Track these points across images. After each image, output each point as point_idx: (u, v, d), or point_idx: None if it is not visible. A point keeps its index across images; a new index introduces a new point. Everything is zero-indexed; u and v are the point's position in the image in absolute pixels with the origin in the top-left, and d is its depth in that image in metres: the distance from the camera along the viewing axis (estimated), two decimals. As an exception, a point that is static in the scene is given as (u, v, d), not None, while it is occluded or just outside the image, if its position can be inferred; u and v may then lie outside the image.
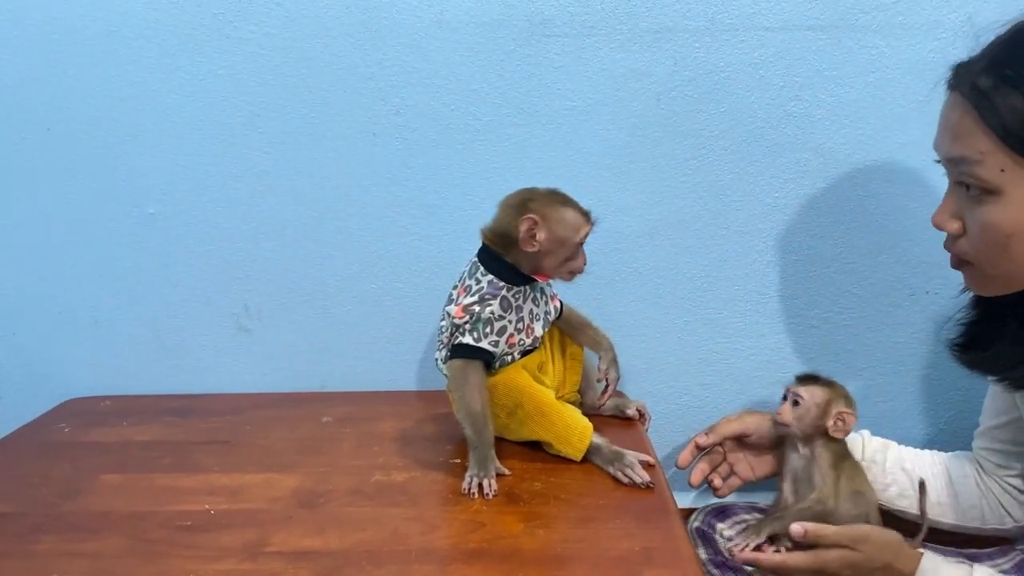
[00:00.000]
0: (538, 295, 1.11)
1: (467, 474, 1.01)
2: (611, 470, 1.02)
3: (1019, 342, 0.94)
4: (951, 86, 0.86)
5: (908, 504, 1.11)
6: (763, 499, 1.22)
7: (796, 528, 0.96)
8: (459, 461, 1.08)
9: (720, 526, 1.19)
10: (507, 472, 1.03)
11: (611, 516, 0.93)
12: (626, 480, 1.00)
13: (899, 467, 1.13)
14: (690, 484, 1.13)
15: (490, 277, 1.06)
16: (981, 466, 1.11)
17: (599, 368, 1.15)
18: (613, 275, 1.31)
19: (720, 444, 1.15)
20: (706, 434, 1.14)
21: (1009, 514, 1.08)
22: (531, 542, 0.88)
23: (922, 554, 0.94)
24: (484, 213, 1.28)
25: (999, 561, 1.09)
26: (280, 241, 1.32)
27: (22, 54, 1.25)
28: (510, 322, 1.06)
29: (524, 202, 1.04)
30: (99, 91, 1.26)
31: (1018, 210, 0.81)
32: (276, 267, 1.33)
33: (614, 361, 1.15)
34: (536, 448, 1.09)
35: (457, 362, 1.05)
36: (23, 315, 1.35)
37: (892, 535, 0.96)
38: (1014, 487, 1.07)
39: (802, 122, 1.26)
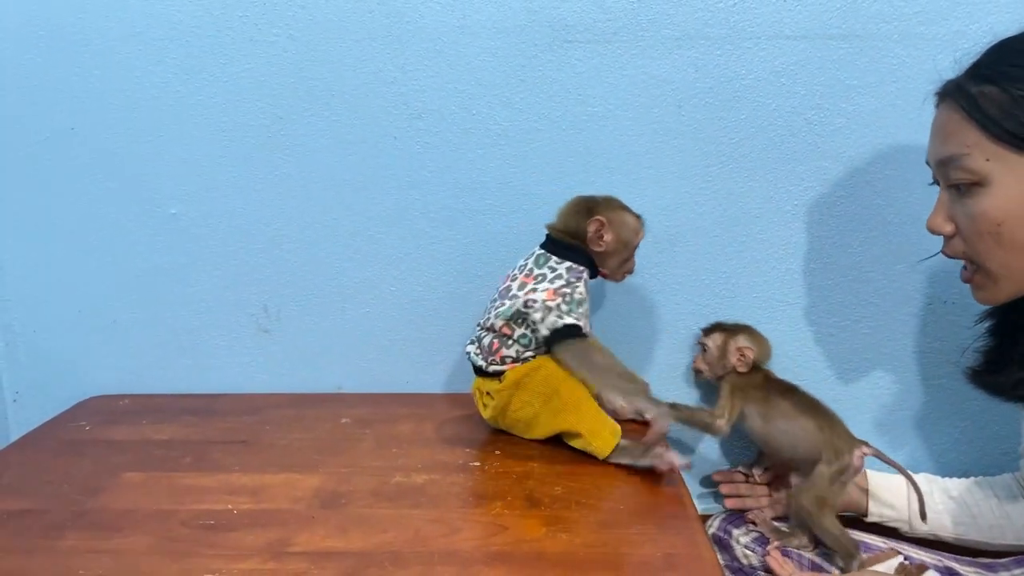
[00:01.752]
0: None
1: (657, 416, 1.05)
2: (643, 462, 1.04)
3: None
4: (941, 98, 0.95)
5: (964, 531, 1.13)
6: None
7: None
8: (478, 464, 1.08)
9: (736, 532, 1.19)
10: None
11: (632, 521, 0.94)
12: (664, 466, 1.03)
13: (946, 496, 1.15)
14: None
15: (568, 264, 1.11)
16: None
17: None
18: (631, 282, 1.31)
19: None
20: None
21: None
22: (553, 546, 0.88)
23: None
24: (503, 217, 1.30)
25: (1016, 572, 1.09)
26: (300, 243, 1.32)
27: (47, 54, 1.26)
28: (588, 306, 1.12)
29: (590, 206, 1.13)
30: (123, 92, 1.27)
31: (1005, 197, 0.88)
32: (296, 269, 1.33)
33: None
34: (556, 453, 1.10)
35: (570, 341, 1.07)
36: (43, 314, 1.36)
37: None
38: None
39: (822, 130, 1.26)
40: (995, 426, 1.34)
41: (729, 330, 1.23)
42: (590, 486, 1.01)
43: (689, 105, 1.26)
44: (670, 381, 1.35)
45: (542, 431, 1.11)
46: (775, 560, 1.08)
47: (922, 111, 1.23)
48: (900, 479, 1.16)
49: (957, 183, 0.91)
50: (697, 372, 1.27)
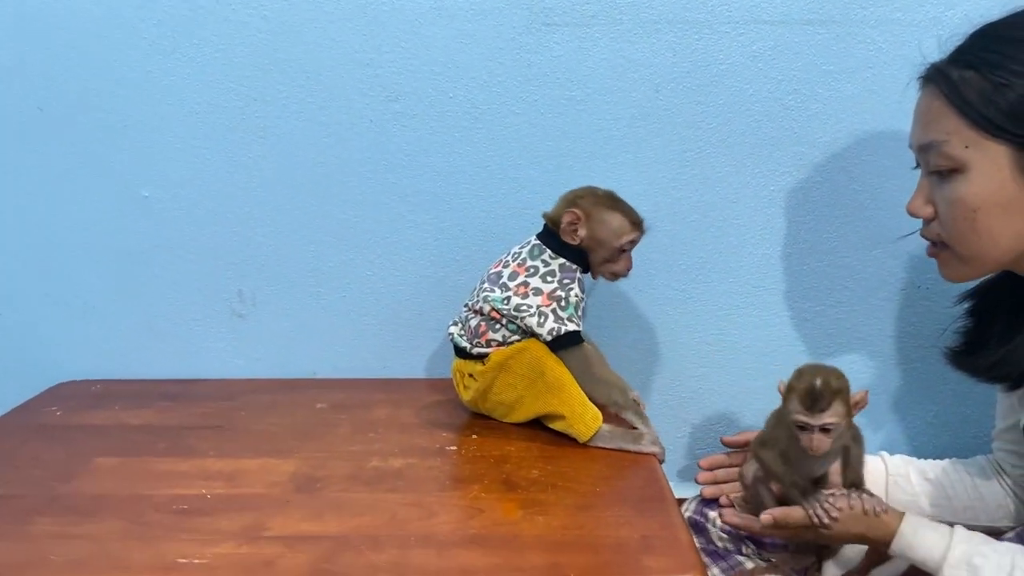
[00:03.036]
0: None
1: (644, 439, 1.06)
2: (623, 445, 1.05)
3: (1004, 341, 0.97)
4: (923, 83, 0.95)
5: (940, 512, 1.12)
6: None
7: (764, 517, 1.01)
8: (456, 448, 1.08)
9: (712, 515, 1.20)
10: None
11: (609, 504, 0.94)
12: (634, 450, 1.05)
13: (923, 478, 1.15)
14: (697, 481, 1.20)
15: (561, 261, 1.10)
16: (1001, 467, 1.13)
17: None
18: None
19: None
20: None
21: None
22: (531, 528, 0.88)
23: (901, 517, 0.97)
24: (481, 201, 1.29)
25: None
26: (275, 227, 1.31)
27: (14, 33, 1.24)
28: (586, 304, 1.11)
29: (576, 198, 1.11)
30: (94, 71, 1.25)
31: (982, 184, 0.89)
32: (271, 253, 1.32)
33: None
34: (534, 436, 1.10)
35: (572, 349, 1.08)
36: (14, 298, 1.34)
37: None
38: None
39: (799, 116, 1.26)
40: (968, 409, 1.35)
41: (838, 391, 0.95)
42: (567, 469, 1.01)
43: (667, 89, 1.26)
44: (646, 366, 1.35)
45: (523, 414, 1.11)
46: (731, 516, 1.07)
47: (901, 97, 1.23)
48: (873, 465, 1.16)
49: (937, 169, 0.92)
50: (816, 451, 0.96)
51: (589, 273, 1.13)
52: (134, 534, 0.87)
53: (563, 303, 1.07)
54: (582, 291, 1.10)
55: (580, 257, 1.11)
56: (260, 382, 1.33)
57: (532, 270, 1.09)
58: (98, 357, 1.35)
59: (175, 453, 1.07)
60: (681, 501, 1.23)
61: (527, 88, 1.25)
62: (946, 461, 1.18)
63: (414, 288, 1.32)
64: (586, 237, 1.09)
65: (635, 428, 1.08)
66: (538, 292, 1.08)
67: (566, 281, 1.09)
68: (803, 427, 0.96)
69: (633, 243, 1.12)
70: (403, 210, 1.30)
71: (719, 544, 1.16)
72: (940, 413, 1.37)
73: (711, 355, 1.36)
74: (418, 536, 0.87)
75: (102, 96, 1.26)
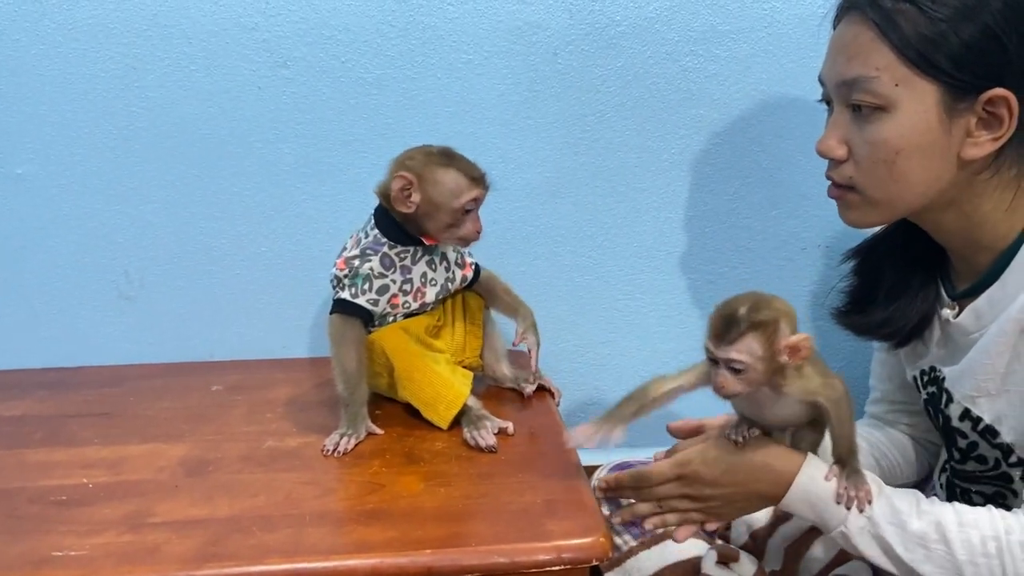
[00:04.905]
0: (436, 259, 1.08)
1: (335, 432, 0.99)
2: (464, 432, 1.00)
3: (892, 298, 0.97)
4: (847, 9, 0.87)
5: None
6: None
7: (597, 483, 0.94)
8: (357, 424, 1.04)
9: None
10: (379, 431, 1.01)
11: (514, 471, 0.92)
12: (472, 443, 0.98)
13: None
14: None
15: (376, 232, 1.04)
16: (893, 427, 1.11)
17: (516, 331, 1.14)
18: (512, 233, 1.29)
19: None
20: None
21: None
22: (431, 500, 0.86)
23: (800, 464, 0.85)
24: (378, 172, 1.23)
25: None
26: (162, 203, 1.24)
27: None
28: (393, 282, 1.04)
29: (406, 159, 1.02)
30: (-48, 40, 1.16)
31: (908, 125, 0.83)
32: (158, 230, 1.25)
33: (533, 326, 1.15)
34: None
35: (335, 317, 1.03)
36: None
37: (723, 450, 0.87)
38: (924, 438, 1.09)
39: (696, 77, 1.26)
40: (869, 366, 1.38)
41: (758, 324, 0.80)
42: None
43: (565, 52, 1.24)
44: (553, 333, 1.32)
45: (399, 399, 1.07)
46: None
47: (797, 56, 1.26)
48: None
49: (858, 104, 0.85)
50: (723, 393, 0.83)
51: (419, 248, 1.05)
52: (4, 528, 0.82)
53: (352, 272, 1.03)
54: (385, 268, 1.03)
55: (397, 232, 1.03)
56: (151, 367, 1.27)
57: (357, 242, 1.06)
58: (-31, 346, 1.27)
59: (54, 443, 1.01)
60: (594, 469, 1.22)
61: (423, 52, 1.22)
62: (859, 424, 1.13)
63: (311, 262, 1.27)
64: (422, 202, 1.00)
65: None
66: (341, 258, 1.05)
67: (368, 253, 1.03)
68: (712, 360, 0.82)
69: (476, 201, 1.02)
70: (296, 181, 1.25)
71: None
72: (841, 370, 1.38)
73: (618, 320, 1.35)
74: (313, 514, 0.83)
75: (-37, 66, 1.17)
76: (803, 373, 0.83)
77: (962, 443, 0.95)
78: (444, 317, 1.13)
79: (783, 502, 0.86)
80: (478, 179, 1.02)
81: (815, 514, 0.85)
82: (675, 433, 1.00)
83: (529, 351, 1.14)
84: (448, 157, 1.02)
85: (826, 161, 0.91)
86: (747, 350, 0.79)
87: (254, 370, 1.25)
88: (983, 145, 0.83)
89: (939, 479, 1.05)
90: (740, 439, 0.87)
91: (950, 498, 1.02)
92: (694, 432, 0.97)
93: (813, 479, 0.85)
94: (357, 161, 1.25)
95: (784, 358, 0.80)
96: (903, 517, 0.82)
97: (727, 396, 0.82)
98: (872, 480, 0.85)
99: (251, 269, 1.28)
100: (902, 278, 0.97)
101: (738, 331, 0.79)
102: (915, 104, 0.82)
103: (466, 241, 1.04)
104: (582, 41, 1.23)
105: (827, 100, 0.92)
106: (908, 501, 0.83)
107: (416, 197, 1.00)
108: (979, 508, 0.83)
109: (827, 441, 0.88)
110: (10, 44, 1.17)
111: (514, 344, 1.15)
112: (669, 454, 0.94)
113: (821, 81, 0.91)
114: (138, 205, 1.24)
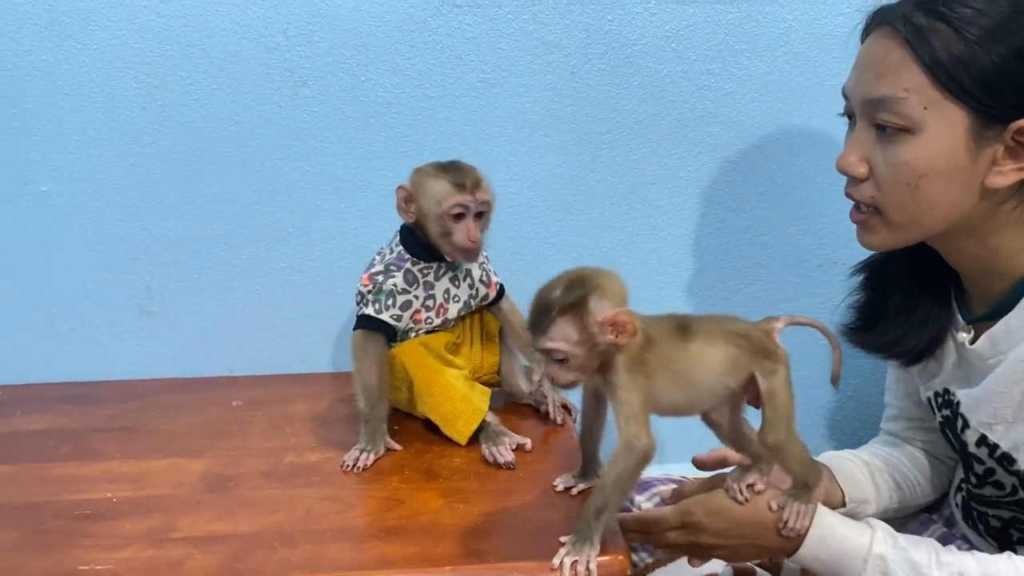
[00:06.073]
0: (459, 276, 1.09)
1: (354, 447, 0.99)
2: (483, 448, 1.00)
3: (902, 316, 0.96)
4: (877, 23, 0.85)
5: (900, 498, 1.06)
6: (682, 470, 1.23)
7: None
8: (376, 440, 1.05)
9: (639, 499, 1.19)
10: (397, 447, 1.02)
11: (532, 488, 0.93)
12: (490, 459, 0.99)
13: (870, 469, 1.06)
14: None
15: (400, 249, 1.05)
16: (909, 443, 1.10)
17: (531, 378, 1.15)
18: (528, 250, 1.30)
19: None
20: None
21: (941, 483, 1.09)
22: (450, 517, 0.86)
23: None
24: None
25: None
26: (183, 219, 1.26)
27: None
28: (416, 297, 1.05)
29: (412, 174, 1.05)
30: (-19, 60, 1.18)
31: (935, 149, 0.81)
32: (180, 246, 1.27)
33: None
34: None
35: (359, 333, 1.04)
36: (-97, 301, 1.26)
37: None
38: (941, 454, 1.07)
39: (713, 95, 1.27)
40: (884, 384, 1.38)
41: (567, 307, 0.76)
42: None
43: (582, 71, 1.25)
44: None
45: (419, 414, 1.08)
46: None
47: (812, 75, 1.26)
48: (856, 467, 1.05)
49: (883, 124, 0.83)
50: (557, 385, 0.81)
51: (443, 264, 1.07)
52: (30, 543, 0.83)
53: (376, 288, 1.04)
54: (409, 283, 1.04)
55: (419, 247, 1.05)
56: (172, 381, 1.28)
57: (383, 256, 1.07)
58: (-4, 361, 1.28)
59: (78, 457, 1.02)
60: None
61: (441, 71, 1.23)
62: (870, 446, 1.12)
63: (331, 278, 1.29)
64: (417, 212, 1.03)
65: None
66: (366, 273, 1.06)
67: (392, 269, 1.05)
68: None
69: (462, 207, 1.00)
70: (316, 198, 1.26)
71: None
72: (858, 388, 1.39)
73: (634, 337, 1.35)
74: (334, 530, 0.84)
75: (-9, 86, 1.19)
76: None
77: (979, 469, 0.94)
78: (463, 335, 1.14)
79: (795, 558, 0.86)
80: (462, 186, 1.01)
81: (829, 571, 0.85)
82: (700, 466, 0.99)
83: (546, 396, 1.13)
84: (443, 169, 1.03)
85: (844, 178, 0.89)
86: (561, 337, 0.75)
87: (273, 385, 1.26)
88: (1008, 175, 0.81)
89: (955, 498, 1.05)
90: (743, 499, 0.86)
91: (966, 518, 1.02)
92: (719, 464, 0.97)
93: (823, 539, 0.84)
94: (376, 178, 1.26)
95: (609, 336, 0.75)
96: (923, 570, 0.80)
97: (563, 387, 0.79)
98: (886, 531, 0.84)
99: (271, 285, 1.29)
100: (911, 296, 0.96)
101: (548, 318, 0.75)
102: (943, 129, 0.80)
103: (462, 251, 1.03)
104: (599, 60, 1.25)
105: (849, 114, 0.89)
106: (926, 552, 0.82)
107: (413, 208, 1.03)
108: (1000, 557, 0.82)
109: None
110: (36, 64, 1.19)
111: (529, 393, 1.15)
112: (674, 495, 0.93)
113: (845, 95, 0.89)
114: (160, 222, 1.26)
